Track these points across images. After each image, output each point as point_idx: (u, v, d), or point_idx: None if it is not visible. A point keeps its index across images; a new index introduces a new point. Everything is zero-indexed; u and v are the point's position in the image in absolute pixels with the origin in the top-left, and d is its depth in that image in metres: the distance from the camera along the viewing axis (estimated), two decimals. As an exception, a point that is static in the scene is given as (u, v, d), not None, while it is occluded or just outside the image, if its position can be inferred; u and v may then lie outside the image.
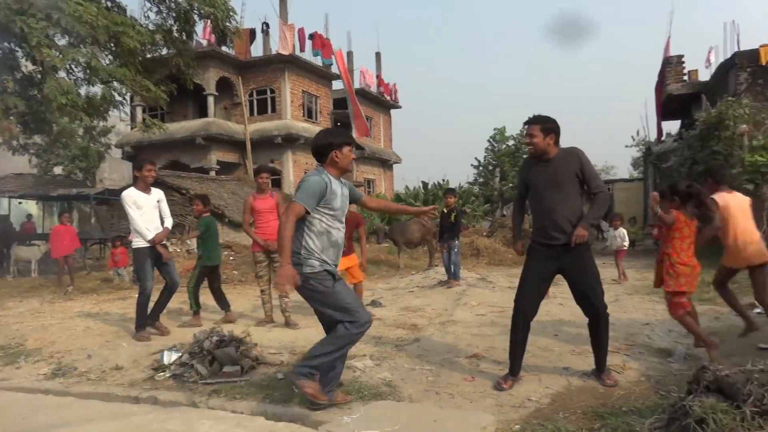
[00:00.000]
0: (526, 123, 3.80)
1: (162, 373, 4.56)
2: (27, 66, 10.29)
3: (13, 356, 5.22)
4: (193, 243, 14.76)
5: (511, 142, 31.65)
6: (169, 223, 5.96)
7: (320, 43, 24.46)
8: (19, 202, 18.79)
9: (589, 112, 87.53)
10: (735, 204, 4.69)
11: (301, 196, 3.32)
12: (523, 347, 3.89)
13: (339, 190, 3.45)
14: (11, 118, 9.65)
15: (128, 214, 5.65)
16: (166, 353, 4.82)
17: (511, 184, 27.84)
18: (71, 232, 11.00)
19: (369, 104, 30.49)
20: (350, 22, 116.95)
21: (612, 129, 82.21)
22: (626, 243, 10.15)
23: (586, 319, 3.88)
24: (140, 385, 4.32)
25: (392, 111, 33.90)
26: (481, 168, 32.79)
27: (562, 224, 3.70)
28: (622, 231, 10.02)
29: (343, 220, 3.55)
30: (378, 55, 32.56)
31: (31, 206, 20.37)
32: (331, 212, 3.41)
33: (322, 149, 3.46)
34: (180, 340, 5.47)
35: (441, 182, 26.99)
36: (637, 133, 21.99)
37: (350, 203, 3.67)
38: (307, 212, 3.33)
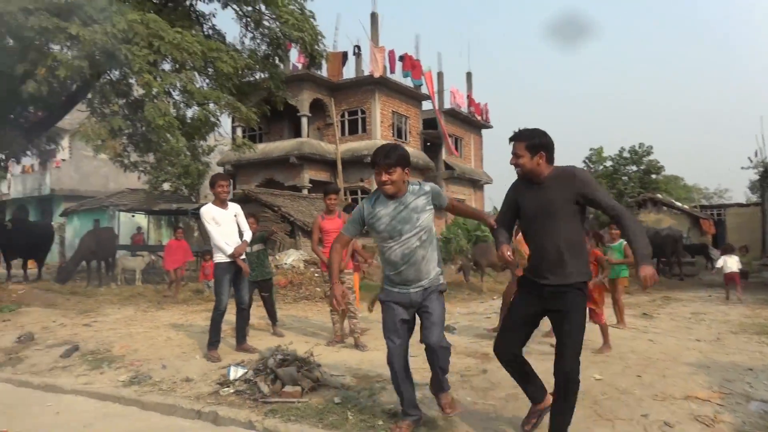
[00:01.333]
0: (510, 139, 3.24)
1: (227, 389, 4.63)
2: (138, 90, 11.16)
3: (99, 361, 5.54)
4: (283, 258, 15.28)
5: (609, 163, 30.09)
6: (247, 236, 6.05)
7: (410, 64, 24.70)
8: (132, 215, 20.34)
9: (699, 131, 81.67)
10: None
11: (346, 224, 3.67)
12: (525, 388, 3.43)
13: (386, 211, 3.44)
14: (121, 138, 10.46)
15: (207, 230, 5.81)
16: (232, 369, 4.91)
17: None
18: (183, 246, 11.78)
19: (459, 124, 30.28)
20: (441, 43, 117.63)
21: (725, 149, 76.12)
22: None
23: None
24: (204, 399, 4.40)
25: (483, 131, 33.44)
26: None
27: (553, 261, 3.10)
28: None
29: (399, 237, 3.43)
30: (469, 75, 32.37)
31: (141, 219, 22.02)
32: (376, 233, 3.50)
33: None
34: (251, 355, 5.58)
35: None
36: (756, 153, 20.03)
37: (437, 209, 3.56)
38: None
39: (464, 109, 30.37)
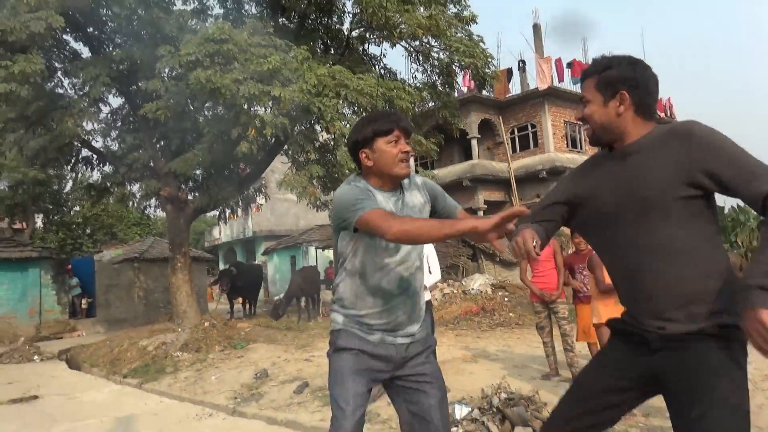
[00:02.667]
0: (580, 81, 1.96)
1: (455, 429, 4.60)
2: (323, 135, 12.07)
3: (328, 397, 5.89)
4: (469, 283, 15.27)
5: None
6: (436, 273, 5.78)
7: (579, 69, 23.45)
8: (323, 250, 21.94)
9: None
10: None
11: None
12: None
13: (386, 206, 2.13)
14: (314, 182, 11.35)
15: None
16: (457, 407, 4.87)
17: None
18: None
19: (640, 124, 27.94)
20: (611, 41, 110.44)
21: None
22: None
23: None
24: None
25: (669, 128, 30.44)
26: None
27: (665, 299, 1.72)
28: None
29: (399, 250, 2.19)
30: (647, 69, 29.83)
31: (331, 254, 23.67)
32: (374, 243, 2.16)
33: (352, 154, 2.27)
34: (468, 390, 5.52)
35: (741, 205, 22.86)
36: None
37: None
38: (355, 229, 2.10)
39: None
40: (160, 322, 13.39)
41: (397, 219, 1.98)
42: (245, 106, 8.99)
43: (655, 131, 1.79)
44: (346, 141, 2.42)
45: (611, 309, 4.45)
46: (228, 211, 15.18)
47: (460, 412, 4.80)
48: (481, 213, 22.67)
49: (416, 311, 2.25)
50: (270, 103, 9.24)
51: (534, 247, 1.77)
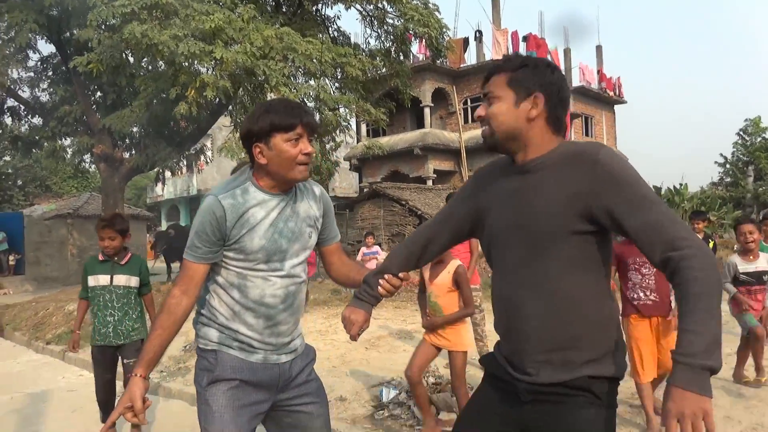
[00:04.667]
0: (485, 78, 1.65)
1: (381, 411, 4.61)
2: (272, 97, 11.67)
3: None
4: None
5: (768, 134, 26.74)
6: None
7: (535, 44, 23.54)
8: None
9: None
10: None
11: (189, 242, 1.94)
12: None
13: (263, 212, 1.88)
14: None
15: None
16: (384, 390, 4.89)
17: (770, 184, 23.36)
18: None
19: (589, 102, 28.44)
20: (568, 17, 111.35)
21: None
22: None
23: None
24: (361, 423, 4.42)
25: (616, 107, 31.16)
26: (728, 166, 28.29)
27: (540, 339, 1.53)
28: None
29: (281, 261, 1.92)
30: (599, 48, 30.24)
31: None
32: (242, 254, 1.88)
33: (245, 144, 1.93)
34: (399, 371, 5.54)
35: (678, 186, 23.80)
36: None
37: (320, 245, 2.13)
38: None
39: (594, 85, 28.48)
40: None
41: (179, 293, 1.87)
42: (185, 65, 8.53)
43: (560, 149, 1.54)
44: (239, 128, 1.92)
45: None
46: (168, 173, 14.62)
47: (387, 394, 4.81)
48: (430, 182, 22.75)
49: (298, 324, 2.06)
50: (212, 64, 8.79)
51: (359, 332, 1.81)
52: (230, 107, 11.77)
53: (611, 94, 29.65)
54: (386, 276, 1.80)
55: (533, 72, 1.55)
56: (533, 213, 1.52)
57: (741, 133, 27.73)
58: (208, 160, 28.23)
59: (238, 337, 1.91)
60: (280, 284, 1.93)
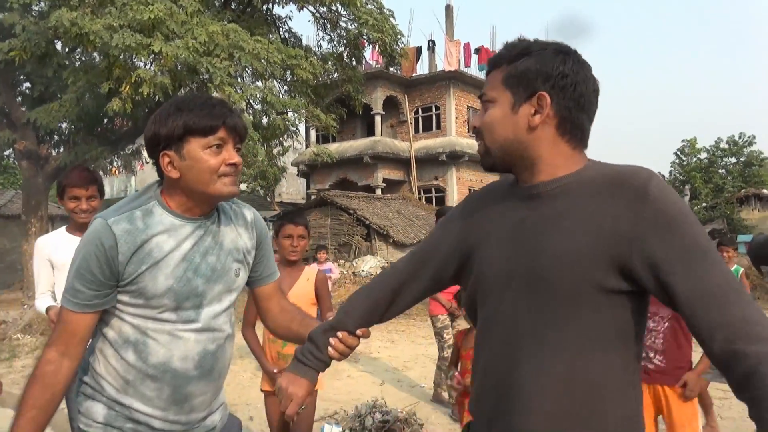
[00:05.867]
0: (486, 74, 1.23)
1: (323, 452, 4.19)
2: (217, 96, 11.05)
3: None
4: (360, 265, 14.97)
5: (703, 155, 27.90)
6: None
7: (486, 56, 23.70)
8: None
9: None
10: None
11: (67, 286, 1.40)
12: None
13: (172, 243, 1.40)
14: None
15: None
16: (326, 427, 4.45)
17: (704, 204, 24.38)
18: None
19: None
20: (519, 32, 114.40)
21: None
22: None
23: None
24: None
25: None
26: (666, 184, 29.38)
27: (534, 413, 1.09)
28: None
29: (198, 308, 1.45)
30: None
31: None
32: (144, 299, 1.39)
33: (151, 154, 1.46)
34: (342, 401, 5.11)
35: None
36: None
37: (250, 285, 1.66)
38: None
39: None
40: (14, 288, 11.87)
41: (56, 356, 1.34)
42: (120, 58, 7.84)
43: (589, 172, 1.11)
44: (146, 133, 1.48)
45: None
46: (100, 172, 13.64)
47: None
48: (379, 191, 22.45)
49: (220, 394, 1.59)
50: (150, 58, 8.14)
51: (298, 409, 1.31)
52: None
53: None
54: (339, 334, 1.33)
55: (537, 61, 1.10)
56: (545, 256, 1.08)
57: (678, 153, 28.85)
58: (147, 161, 27.03)
59: (133, 416, 1.41)
60: (195, 341, 1.43)
